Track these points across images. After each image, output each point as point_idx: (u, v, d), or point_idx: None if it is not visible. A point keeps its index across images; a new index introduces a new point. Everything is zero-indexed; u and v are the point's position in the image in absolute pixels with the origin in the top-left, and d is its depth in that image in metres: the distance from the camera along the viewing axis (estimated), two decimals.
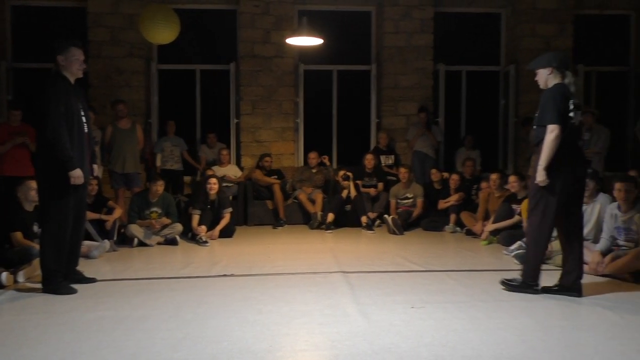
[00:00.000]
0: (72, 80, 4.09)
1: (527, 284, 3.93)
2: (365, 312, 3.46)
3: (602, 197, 5.01)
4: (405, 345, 2.88)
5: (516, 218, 6.01)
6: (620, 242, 4.58)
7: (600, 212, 4.91)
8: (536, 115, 3.89)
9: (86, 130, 4.14)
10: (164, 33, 6.51)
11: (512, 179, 6.29)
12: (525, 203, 5.80)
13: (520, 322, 3.29)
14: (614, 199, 4.73)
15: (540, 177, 3.74)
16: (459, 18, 9.05)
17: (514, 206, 6.11)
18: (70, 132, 3.96)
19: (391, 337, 2.99)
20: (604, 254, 4.55)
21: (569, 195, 3.80)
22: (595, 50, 9.02)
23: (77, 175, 3.94)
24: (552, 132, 3.68)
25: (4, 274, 4.12)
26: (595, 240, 4.83)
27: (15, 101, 7.61)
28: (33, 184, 4.78)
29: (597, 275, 4.45)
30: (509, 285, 3.98)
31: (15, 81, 8.49)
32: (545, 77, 3.87)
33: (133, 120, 7.50)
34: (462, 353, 2.76)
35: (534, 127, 3.94)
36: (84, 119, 4.10)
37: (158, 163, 7.88)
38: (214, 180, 6.66)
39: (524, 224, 5.71)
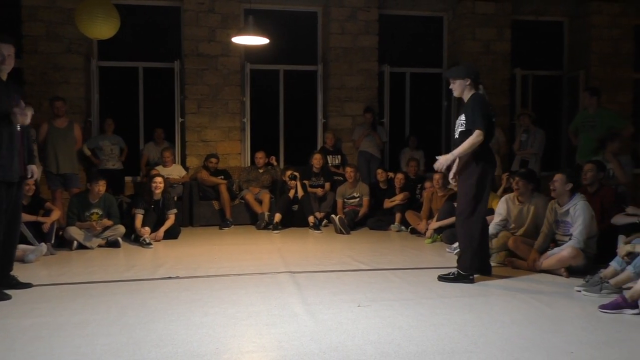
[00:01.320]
0: (3, 76, 3.89)
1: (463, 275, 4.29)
2: (313, 311, 3.47)
3: (537, 197, 5.22)
4: (351, 343, 2.91)
5: None
6: (558, 237, 4.78)
7: (536, 211, 5.11)
8: (461, 121, 4.34)
9: (18, 128, 3.94)
10: (102, 27, 6.31)
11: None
12: None
13: (463, 318, 3.39)
14: (550, 199, 4.95)
15: (446, 161, 4.30)
16: (403, 20, 9.22)
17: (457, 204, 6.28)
18: (1, 129, 3.77)
19: (338, 336, 3.02)
20: (541, 251, 4.74)
21: (485, 188, 4.30)
22: (531, 54, 9.39)
23: (17, 118, 3.79)
24: (479, 136, 4.17)
25: None
26: (531, 237, 5.02)
27: None
28: None
29: (535, 272, 4.63)
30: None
31: None
32: (463, 87, 4.38)
33: (70, 119, 7.23)
34: (407, 349, 2.82)
35: (460, 130, 4.34)
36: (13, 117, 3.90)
37: (87, 154, 7.61)
38: (159, 179, 6.51)
39: None
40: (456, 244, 5.56)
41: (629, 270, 3.81)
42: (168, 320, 3.30)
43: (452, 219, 6.21)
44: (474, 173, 4.25)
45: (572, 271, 4.51)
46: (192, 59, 8.34)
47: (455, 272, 4.32)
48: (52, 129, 6.92)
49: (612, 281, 3.91)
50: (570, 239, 4.60)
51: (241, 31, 7.31)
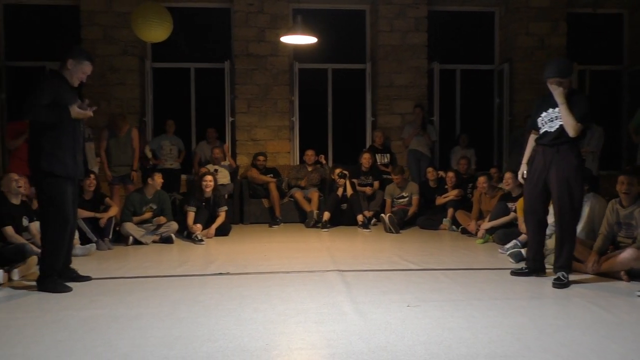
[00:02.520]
0: (71, 82, 4.10)
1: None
2: (362, 310, 3.46)
3: (593, 198, 5.02)
4: (401, 343, 2.88)
5: (512, 216, 6.03)
6: (620, 238, 4.59)
7: (591, 212, 4.93)
8: (557, 114, 4.16)
9: (81, 127, 4.14)
10: (156, 31, 6.48)
11: (507, 176, 6.31)
12: (520, 201, 5.83)
13: (516, 320, 3.29)
14: (609, 199, 4.75)
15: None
16: (453, 16, 9.07)
17: (510, 204, 6.13)
18: (63, 128, 3.94)
19: (387, 336, 2.99)
20: (600, 253, 4.56)
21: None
22: (588, 48, 9.05)
23: (76, 109, 3.94)
24: (579, 128, 4.10)
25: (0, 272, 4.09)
26: (587, 238, 4.84)
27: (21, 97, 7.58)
28: (14, 176, 4.79)
29: (593, 274, 4.46)
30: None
31: (9, 80, 8.43)
32: (569, 85, 4.21)
33: (129, 125, 7.47)
34: (458, 352, 2.77)
35: (560, 124, 4.16)
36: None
37: (149, 155, 7.85)
38: (209, 177, 6.65)
39: (519, 223, 5.75)
40: (509, 245, 5.45)
41: None
42: (219, 316, 3.36)
43: (504, 219, 6.09)
44: (577, 171, 4.16)
45: (633, 275, 4.31)
46: (242, 59, 8.47)
47: (566, 276, 4.16)
48: (111, 137, 7.21)
49: None
50: (633, 242, 4.40)
51: (290, 31, 7.37)
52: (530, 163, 4.45)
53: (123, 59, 8.26)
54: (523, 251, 5.13)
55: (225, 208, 6.76)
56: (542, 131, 4.31)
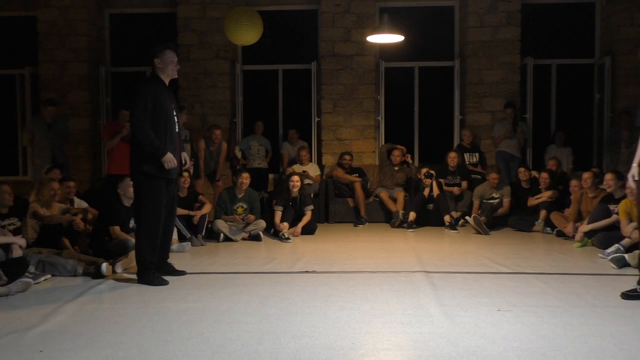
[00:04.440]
0: (166, 81, 4.31)
1: None
2: (449, 313, 3.38)
3: None
4: (491, 348, 2.78)
5: (613, 218, 5.64)
6: None
7: None
8: None
9: (177, 129, 4.34)
10: (248, 35, 6.69)
11: (608, 177, 5.91)
12: (623, 203, 5.45)
13: (618, 330, 3.08)
14: None
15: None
16: (548, 9, 8.63)
17: (611, 206, 5.74)
18: (163, 129, 4.17)
19: (476, 340, 2.90)
20: None
21: None
22: None
23: (169, 159, 4.11)
24: None
25: (104, 265, 4.40)
26: None
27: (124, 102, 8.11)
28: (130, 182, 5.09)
29: None
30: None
31: (113, 85, 9.05)
32: None
33: (222, 140, 7.74)
34: None
35: None
36: (175, 118, 4.31)
37: (239, 156, 8.13)
38: (296, 177, 6.77)
39: (622, 226, 5.37)
40: (611, 249, 5.11)
41: None
42: (305, 313, 3.41)
43: (605, 222, 5.70)
44: None
45: None
46: (328, 60, 8.55)
47: None
48: (207, 150, 7.56)
49: None
50: None
51: (376, 30, 7.34)
52: None
53: (216, 63, 8.60)
54: (626, 256, 4.79)
55: (311, 207, 6.85)
56: None
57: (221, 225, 6.24)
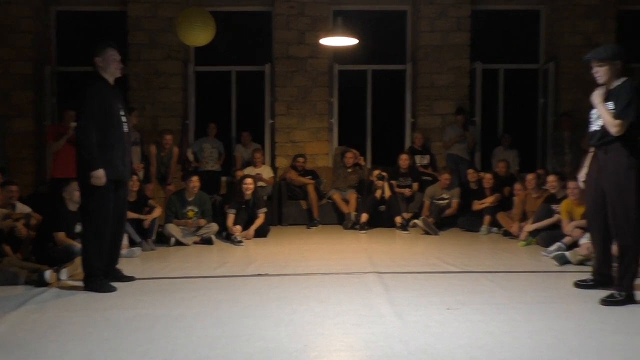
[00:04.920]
0: (111, 81, 4.20)
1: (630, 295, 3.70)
2: (400, 312, 3.43)
3: None
4: (440, 346, 2.85)
5: (555, 218, 5.87)
6: None
7: None
8: (610, 109, 3.68)
9: (126, 129, 4.24)
10: (200, 35, 6.61)
11: (551, 178, 6.16)
12: (564, 203, 5.68)
13: (561, 325, 3.21)
14: None
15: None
16: (496, 15, 8.89)
17: (554, 206, 5.97)
18: (111, 131, 4.07)
19: (426, 338, 2.96)
20: None
21: None
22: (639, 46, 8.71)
23: (98, 175, 3.97)
24: (615, 126, 3.60)
25: (48, 272, 4.24)
26: None
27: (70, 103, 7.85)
28: (77, 186, 4.94)
29: None
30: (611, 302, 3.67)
31: (60, 85, 8.75)
32: (612, 72, 3.71)
33: (172, 145, 7.67)
34: (500, 356, 2.72)
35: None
36: (123, 119, 4.21)
37: (191, 158, 8.02)
38: (249, 180, 6.73)
39: (563, 225, 5.60)
40: (553, 247, 5.31)
41: None
42: (259, 316, 3.39)
43: (548, 221, 5.93)
44: (629, 173, 3.63)
45: None
46: (282, 62, 8.54)
47: (622, 294, 3.65)
48: (158, 155, 7.48)
49: None
50: None
51: (330, 32, 7.38)
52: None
53: (167, 63, 8.45)
54: (567, 254, 4.99)
55: (264, 210, 6.82)
56: (591, 130, 3.88)
57: (172, 229, 6.13)
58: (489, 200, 7.12)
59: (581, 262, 4.87)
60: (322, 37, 7.66)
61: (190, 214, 6.37)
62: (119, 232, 4.34)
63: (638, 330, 3.15)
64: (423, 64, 8.56)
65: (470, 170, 7.65)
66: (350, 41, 7.34)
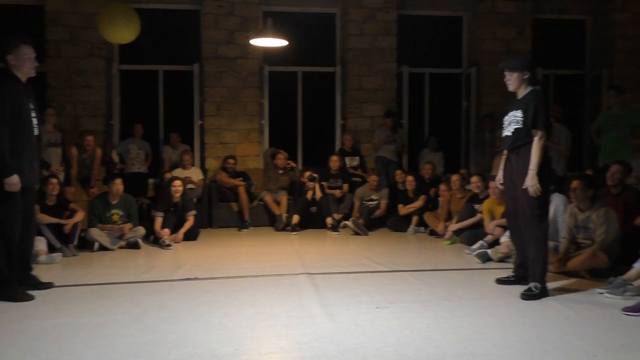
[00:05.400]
0: (23, 79, 3.95)
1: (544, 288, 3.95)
2: (331, 313, 3.46)
3: (557, 198, 5.14)
4: (370, 345, 2.90)
5: (478, 217, 6.12)
6: (579, 240, 4.72)
7: (555, 212, 5.04)
8: (516, 117, 3.97)
9: (36, 132, 3.99)
10: (123, 33, 6.38)
11: (474, 179, 6.42)
12: (486, 203, 5.94)
13: (483, 320, 3.35)
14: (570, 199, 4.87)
15: (534, 181, 3.85)
16: (422, 21, 9.17)
17: (476, 206, 6.23)
18: (20, 134, 3.83)
19: (357, 338, 3.01)
20: (563, 253, 4.67)
21: (548, 190, 4.02)
22: (553, 53, 9.26)
23: (12, 182, 3.76)
24: (542, 137, 3.87)
25: None
26: (551, 238, 4.94)
27: None
28: None
29: (556, 273, 4.56)
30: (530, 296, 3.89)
31: None
32: (520, 81, 4.02)
33: (95, 146, 7.34)
34: (427, 352, 2.80)
35: (515, 127, 3.99)
36: (34, 120, 3.96)
37: (116, 160, 7.73)
38: (178, 182, 6.57)
39: (485, 224, 5.85)
40: (476, 246, 5.54)
41: None
42: (187, 321, 3.32)
43: (471, 221, 6.18)
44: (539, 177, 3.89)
45: (595, 273, 4.43)
46: (212, 62, 8.41)
47: (538, 287, 3.89)
48: (80, 157, 7.14)
49: (635, 283, 3.83)
50: (592, 243, 4.52)
51: (260, 33, 7.34)
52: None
53: (89, 61, 8.10)
54: (489, 251, 5.22)
55: (193, 212, 6.69)
56: (503, 135, 4.18)
57: (95, 233, 5.88)
58: (416, 205, 7.28)
59: (502, 260, 5.11)
60: (252, 38, 7.60)
61: (115, 217, 6.14)
62: (27, 239, 4.09)
63: (553, 323, 3.35)
64: (352, 66, 8.69)
65: (398, 172, 7.85)
66: (280, 42, 7.34)
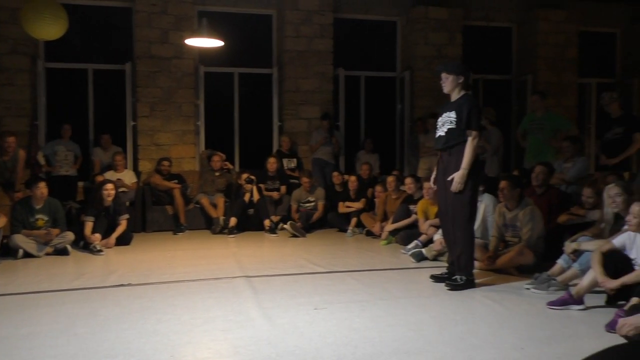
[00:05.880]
0: None
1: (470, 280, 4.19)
2: (269, 315, 3.45)
3: (486, 198, 5.35)
4: (308, 346, 2.91)
5: (413, 217, 6.27)
6: (508, 238, 4.93)
7: (485, 212, 5.25)
8: (450, 118, 4.18)
9: None
10: (50, 29, 6.10)
11: (408, 180, 6.58)
12: (420, 203, 6.10)
13: (418, 317, 3.43)
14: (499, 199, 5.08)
15: (462, 179, 4.06)
16: (357, 24, 9.30)
17: (411, 207, 6.38)
18: None
19: (295, 340, 3.01)
20: (492, 251, 4.87)
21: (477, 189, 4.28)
22: (481, 58, 9.63)
23: None
24: (476, 138, 4.11)
25: None
26: (482, 237, 5.14)
27: None
28: None
29: (486, 271, 4.75)
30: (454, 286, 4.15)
31: None
32: (455, 84, 4.24)
33: (17, 147, 6.87)
34: (364, 351, 2.84)
35: (449, 128, 4.17)
36: None
37: (42, 162, 7.36)
38: (110, 185, 6.34)
39: (420, 224, 6.00)
40: (411, 245, 5.67)
41: (575, 267, 3.96)
42: (120, 329, 3.21)
43: (406, 221, 6.33)
44: (469, 176, 4.11)
45: (521, 270, 4.64)
46: (145, 61, 8.17)
47: (463, 278, 4.14)
48: (0, 159, 6.60)
49: (559, 278, 4.04)
50: (519, 241, 4.74)
51: (195, 33, 7.21)
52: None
53: (12, 58, 7.67)
54: (423, 251, 5.36)
55: (126, 216, 6.47)
56: (437, 136, 4.37)
57: (20, 240, 5.58)
58: (355, 206, 7.36)
59: (435, 257, 5.27)
60: (186, 38, 7.45)
61: (40, 222, 5.84)
62: None
63: (484, 318, 3.48)
64: (289, 68, 8.70)
65: (335, 173, 7.92)
66: (215, 43, 7.23)
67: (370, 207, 7.48)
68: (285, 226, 7.14)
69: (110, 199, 6.29)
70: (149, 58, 8.18)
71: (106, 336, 3.09)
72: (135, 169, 8.12)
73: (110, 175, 7.34)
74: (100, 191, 6.29)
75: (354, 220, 7.21)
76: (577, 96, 9.62)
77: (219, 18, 8.29)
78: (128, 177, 7.68)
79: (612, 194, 4.14)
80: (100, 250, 5.83)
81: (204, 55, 8.38)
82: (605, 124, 6.65)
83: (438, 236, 5.34)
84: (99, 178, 6.98)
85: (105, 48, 8.44)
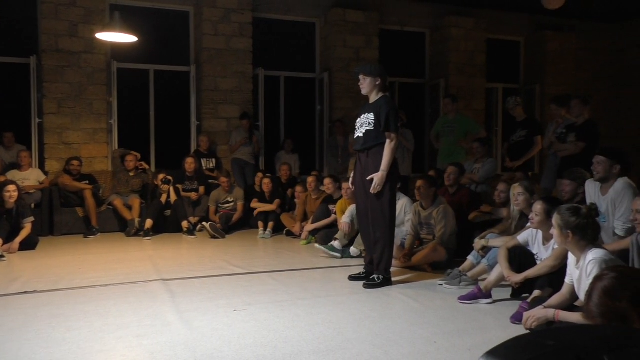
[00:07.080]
0: None
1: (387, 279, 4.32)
2: (187, 319, 3.37)
3: (403, 197, 5.54)
4: (227, 349, 2.87)
5: (332, 217, 6.36)
6: (423, 236, 5.12)
7: (402, 211, 5.42)
8: (368, 119, 4.26)
9: None
10: None
11: (327, 181, 6.66)
12: (339, 203, 6.20)
13: (337, 316, 3.49)
14: (415, 199, 5.28)
15: (381, 180, 4.15)
16: (277, 24, 9.29)
17: (331, 207, 6.47)
18: None
19: (214, 343, 2.96)
20: (408, 249, 5.04)
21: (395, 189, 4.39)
22: (397, 62, 9.93)
23: None
24: (394, 140, 4.19)
25: None
26: (399, 236, 5.31)
27: None
28: None
29: (402, 268, 4.90)
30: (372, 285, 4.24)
31: None
32: (373, 86, 4.32)
33: None
34: (283, 351, 2.84)
35: (367, 129, 4.25)
36: None
37: None
38: (12, 187, 5.93)
39: (339, 223, 6.10)
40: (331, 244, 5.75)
41: (484, 263, 4.18)
42: (24, 339, 3.02)
43: (326, 221, 6.40)
44: (387, 177, 4.20)
45: (435, 266, 4.84)
46: (51, 55, 7.72)
47: (380, 277, 4.25)
48: None
49: (469, 274, 4.25)
50: (434, 239, 4.94)
51: (106, 27, 6.90)
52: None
53: None
54: (334, 244, 5.50)
55: (31, 219, 6.09)
56: (355, 136, 4.45)
57: None
58: (266, 207, 7.33)
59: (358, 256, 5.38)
60: (97, 32, 7.11)
61: None
62: None
63: (399, 314, 3.60)
64: (207, 67, 8.54)
65: (259, 174, 7.89)
66: (129, 38, 6.96)
67: (289, 207, 7.51)
68: (204, 224, 6.98)
69: (12, 200, 5.89)
70: (56, 52, 7.73)
71: (9, 347, 2.89)
72: (42, 169, 7.65)
73: (14, 174, 6.88)
74: (1, 193, 5.88)
75: (270, 224, 7.10)
76: (485, 100, 10.15)
77: (133, 12, 7.98)
78: (35, 175, 7.24)
79: (515, 192, 4.41)
80: (2, 256, 5.45)
81: (117, 50, 8.05)
82: (511, 126, 7.09)
83: (346, 220, 5.56)
84: (1, 179, 6.52)
85: (7, 40, 7.88)
